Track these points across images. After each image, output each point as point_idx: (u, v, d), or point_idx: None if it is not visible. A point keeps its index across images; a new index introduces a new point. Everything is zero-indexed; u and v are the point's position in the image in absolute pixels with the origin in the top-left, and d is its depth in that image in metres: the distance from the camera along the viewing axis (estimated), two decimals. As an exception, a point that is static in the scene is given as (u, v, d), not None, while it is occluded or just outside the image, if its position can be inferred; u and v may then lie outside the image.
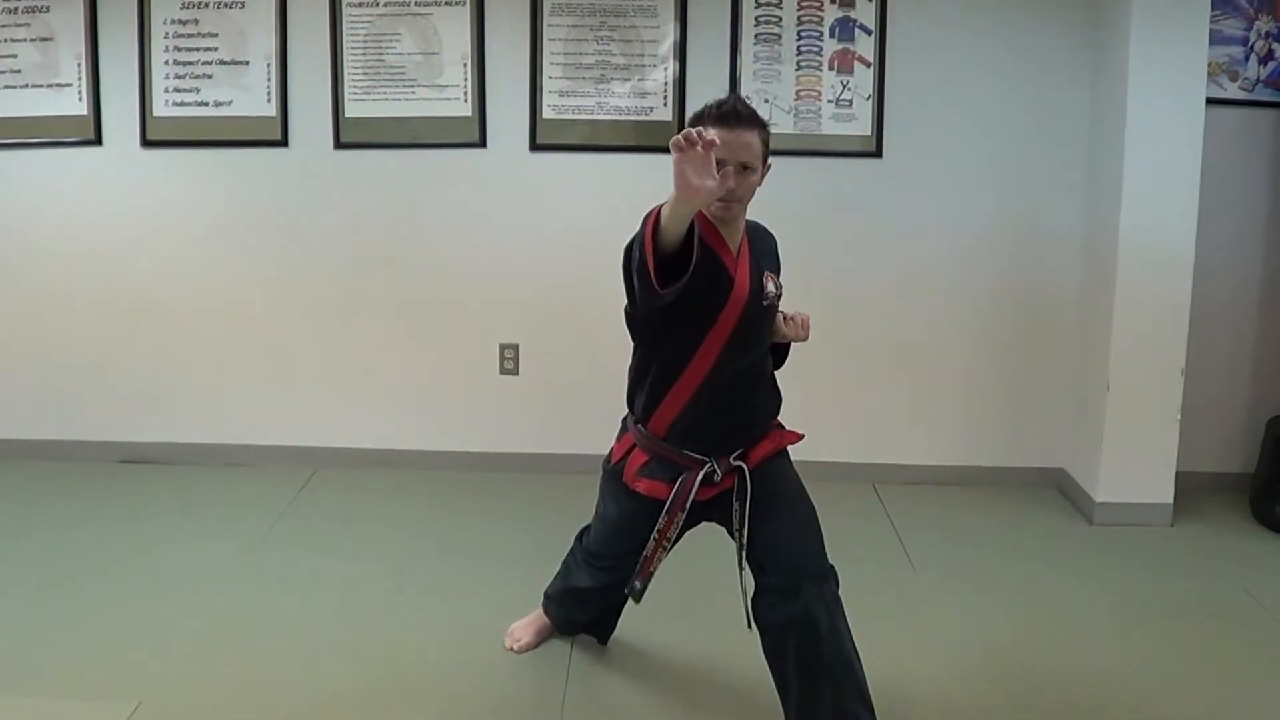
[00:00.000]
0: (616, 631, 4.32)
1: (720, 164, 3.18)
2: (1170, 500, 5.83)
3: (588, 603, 4.14)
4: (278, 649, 4.30)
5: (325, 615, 4.61)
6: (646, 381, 3.54)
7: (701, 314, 3.37)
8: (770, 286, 3.54)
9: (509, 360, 6.41)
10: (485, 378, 6.44)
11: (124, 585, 4.86)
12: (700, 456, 3.53)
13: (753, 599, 3.58)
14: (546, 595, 4.29)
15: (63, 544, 5.32)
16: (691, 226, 3.05)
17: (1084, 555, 5.47)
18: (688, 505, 3.52)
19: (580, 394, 6.27)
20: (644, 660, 4.23)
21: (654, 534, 3.60)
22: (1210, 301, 6.02)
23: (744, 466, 3.55)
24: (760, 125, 3.38)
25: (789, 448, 3.82)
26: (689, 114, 5.94)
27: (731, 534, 3.61)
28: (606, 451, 3.79)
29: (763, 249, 3.62)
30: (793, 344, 3.83)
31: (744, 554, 3.56)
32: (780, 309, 3.67)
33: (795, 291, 6.24)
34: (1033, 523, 5.89)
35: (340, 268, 6.40)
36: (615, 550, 3.84)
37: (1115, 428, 5.78)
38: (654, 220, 3.06)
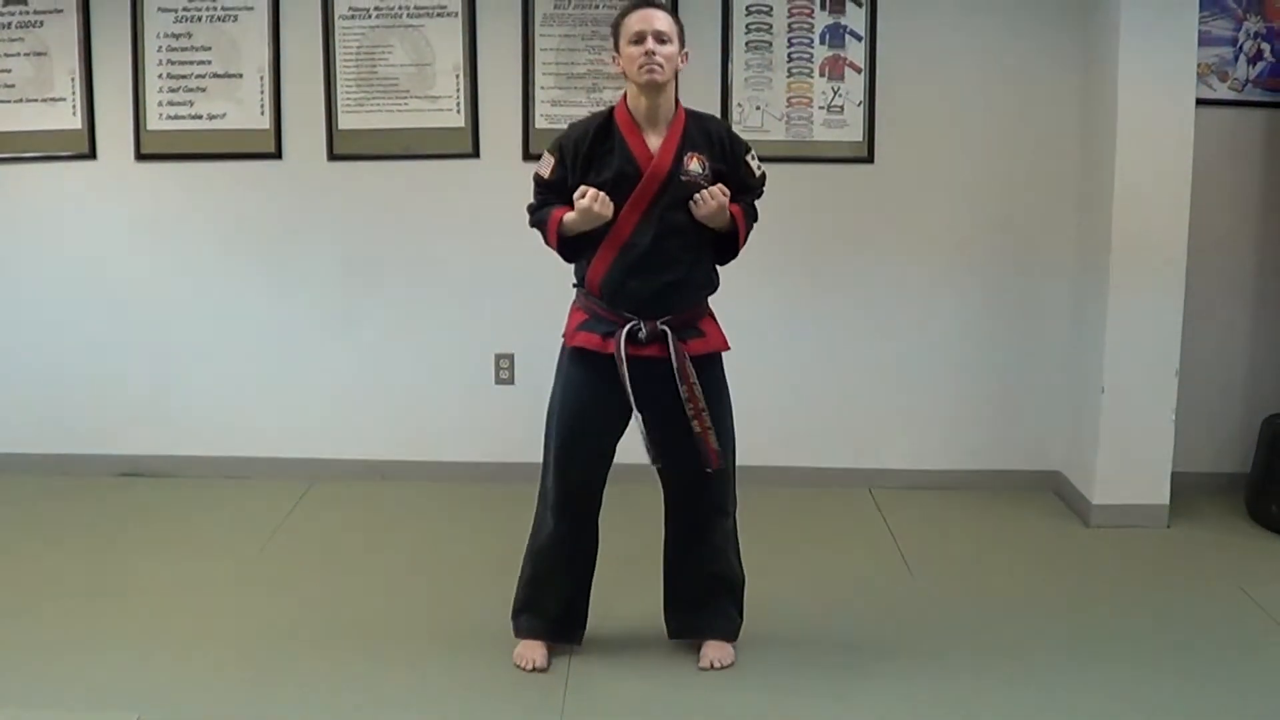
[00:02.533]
0: (614, 648, 4.32)
1: (640, 36, 3.88)
2: (1166, 501, 5.84)
3: (550, 576, 4.25)
4: (277, 662, 4.29)
5: (324, 627, 4.60)
6: (583, 245, 4.04)
7: (617, 189, 3.92)
8: (694, 165, 3.96)
9: (504, 370, 6.42)
10: (481, 388, 6.45)
11: (122, 598, 4.85)
12: (628, 315, 3.95)
13: None
14: (514, 606, 4.32)
15: (61, 557, 5.33)
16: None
17: (1081, 558, 5.48)
18: (624, 354, 3.91)
19: (576, 402, 6.28)
20: (643, 670, 4.23)
21: (630, 399, 3.96)
22: (1204, 302, 6.02)
23: (668, 330, 3.94)
24: (671, 12, 4.22)
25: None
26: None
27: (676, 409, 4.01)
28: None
29: (697, 134, 4.03)
30: (740, 243, 4.18)
31: (700, 411, 4.01)
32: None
33: (788, 296, 6.27)
34: (1029, 526, 5.89)
35: (335, 279, 6.41)
36: (564, 457, 4.17)
37: (1110, 430, 5.79)
38: (555, 226, 4.03)
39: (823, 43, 6.13)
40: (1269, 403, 6.20)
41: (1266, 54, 6.09)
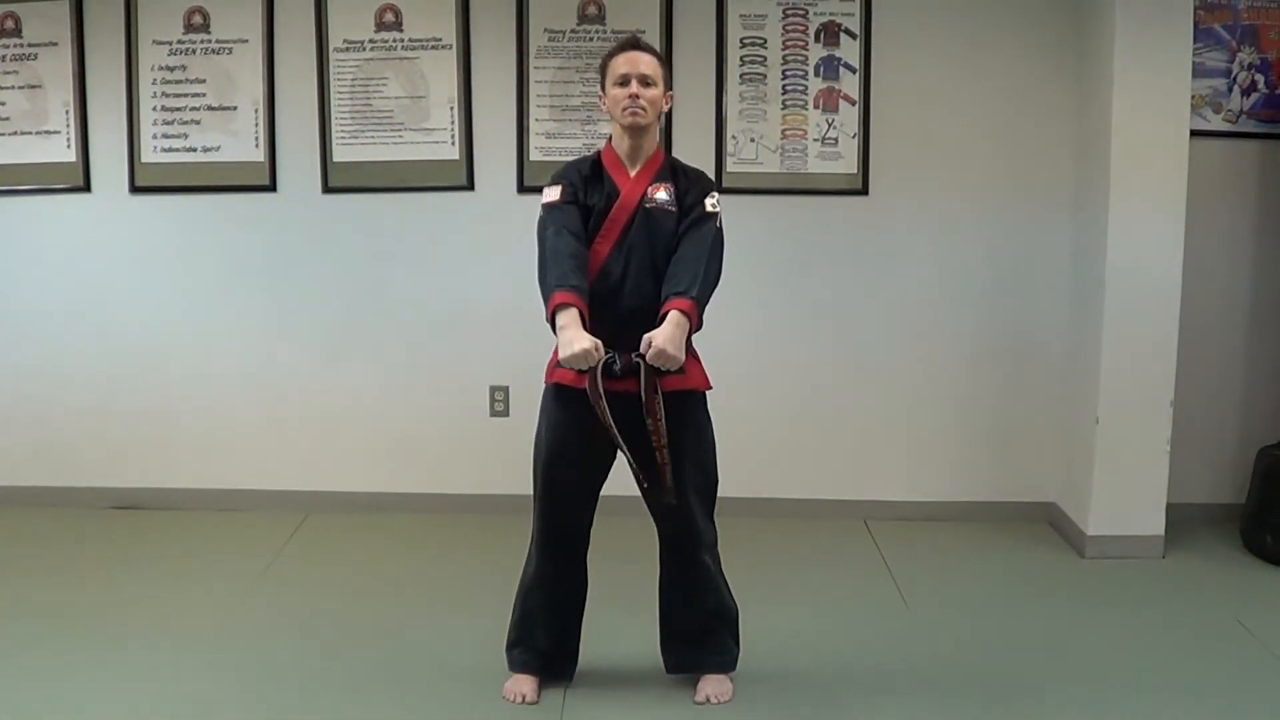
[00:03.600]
0: (610, 681, 4.31)
1: (625, 78, 3.97)
2: (1161, 532, 5.83)
3: (542, 614, 4.23)
4: (272, 695, 4.28)
5: (319, 660, 4.59)
6: None
7: (596, 220, 4.02)
8: (660, 194, 4.03)
9: (499, 402, 6.41)
10: (476, 420, 6.45)
11: (116, 631, 4.84)
12: (605, 350, 3.84)
13: None
14: (507, 642, 4.32)
15: (55, 590, 5.30)
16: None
17: (1076, 589, 5.47)
18: (601, 389, 3.82)
19: (571, 434, 6.28)
20: (639, 704, 4.21)
21: (609, 432, 3.88)
22: (1198, 333, 6.02)
23: (643, 358, 3.82)
24: (658, 55, 4.14)
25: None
26: (675, 155, 6.00)
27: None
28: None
29: (669, 178, 4.09)
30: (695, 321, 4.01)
31: (662, 443, 3.92)
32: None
33: (783, 327, 6.27)
34: (1024, 557, 5.89)
35: (329, 311, 6.41)
36: (552, 491, 4.17)
37: (1105, 460, 5.79)
38: (553, 307, 3.87)
39: (817, 75, 6.14)
40: (1264, 433, 6.20)
41: (1260, 85, 6.11)
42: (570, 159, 4.22)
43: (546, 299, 3.90)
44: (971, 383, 6.34)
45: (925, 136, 6.19)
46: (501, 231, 6.25)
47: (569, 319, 3.79)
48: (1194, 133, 5.71)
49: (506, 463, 6.29)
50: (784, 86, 6.15)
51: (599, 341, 3.77)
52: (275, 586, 5.43)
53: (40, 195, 6.39)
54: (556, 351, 3.96)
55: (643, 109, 3.96)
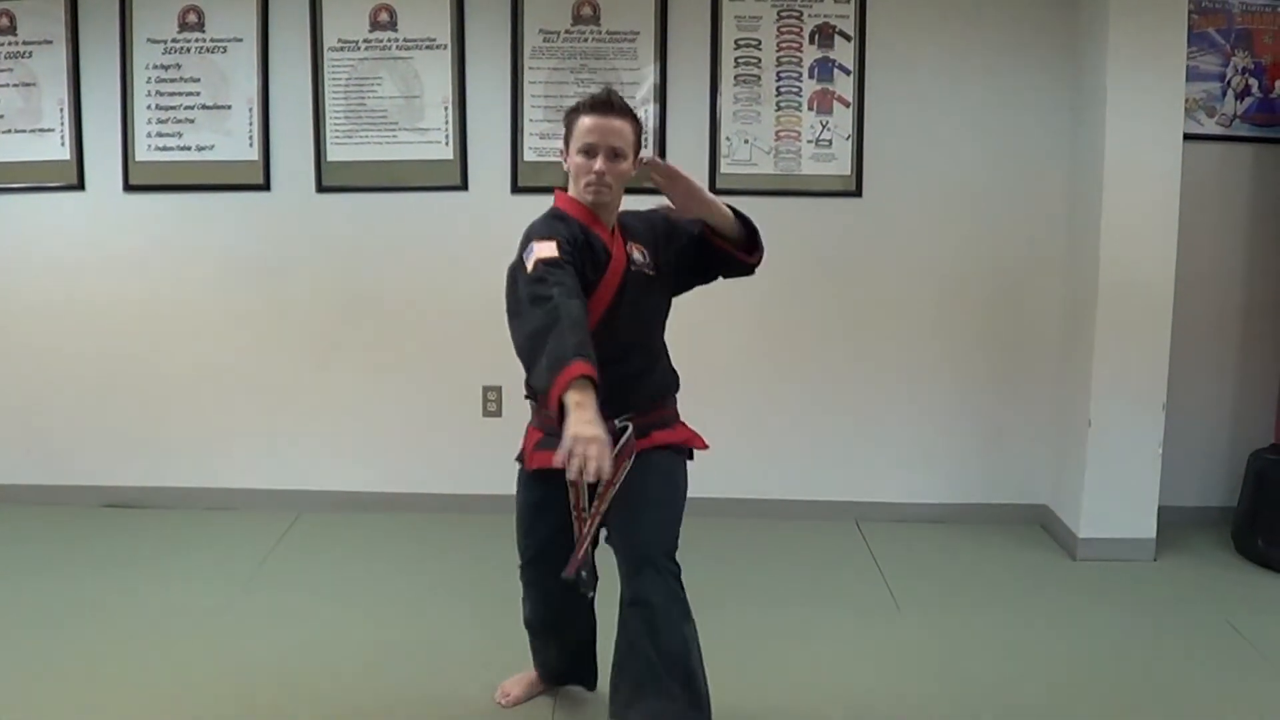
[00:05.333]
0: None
1: (591, 149, 3.53)
2: (1153, 535, 5.85)
3: (545, 634, 4.13)
4: (263, 693, 4.28)
5: (310, 659, 4.59)
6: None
7: (589, 284, 3.52)
8: (636, 254, 3.69)
9: (492, 402, 6.41)
10: (469, 420, 6.45)
11: (108, 629, 4.84)
12: None
13: None
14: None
15: (47, 588, 5.30)
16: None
17: (1068, 591, 5.47)
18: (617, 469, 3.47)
19: (564, 435, 6.27)
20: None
21: (572, 511, 3.62)
22: (1191, 337, 6.04)
23: (629, 426, 3.56)
24: (632, 116, 3.62)
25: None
26: (669, 156, 6.00)
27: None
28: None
29: (635, 226, 3.76)
30: (752, 256, 3.86)
31: (599, 511, 3.58)
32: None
33: (775, 328, 6.27)
34: (1016, 559, 5.89)
35: (322, 311, 6.41)
36: (531, 541, 3.92)
37: (1097, 463, 5.80)
38: (560, 389, 3.13)
39: (811, 77, 6.15)
40: (1256, 437, 6.21)
41: (1254, 89, 6.12)
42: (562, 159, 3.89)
43: (557, 367, 3.17)
44: (964, 385, 6.35)
45: (919, 139, 6.20)
46: (495, 231, 6.23)
47: (587, 398, 3.12)
48: (1187, 136, 5.73)
49: (499, 462, 6.28)
50: (778, 88, 6.16)
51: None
52: (267, 585, 5.43)
53: (34, 193, 6.39)
54: (531, 432, 3.85)
55: (608, 187, 3.55)
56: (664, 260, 3.77)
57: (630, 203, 3.65)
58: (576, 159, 3.57)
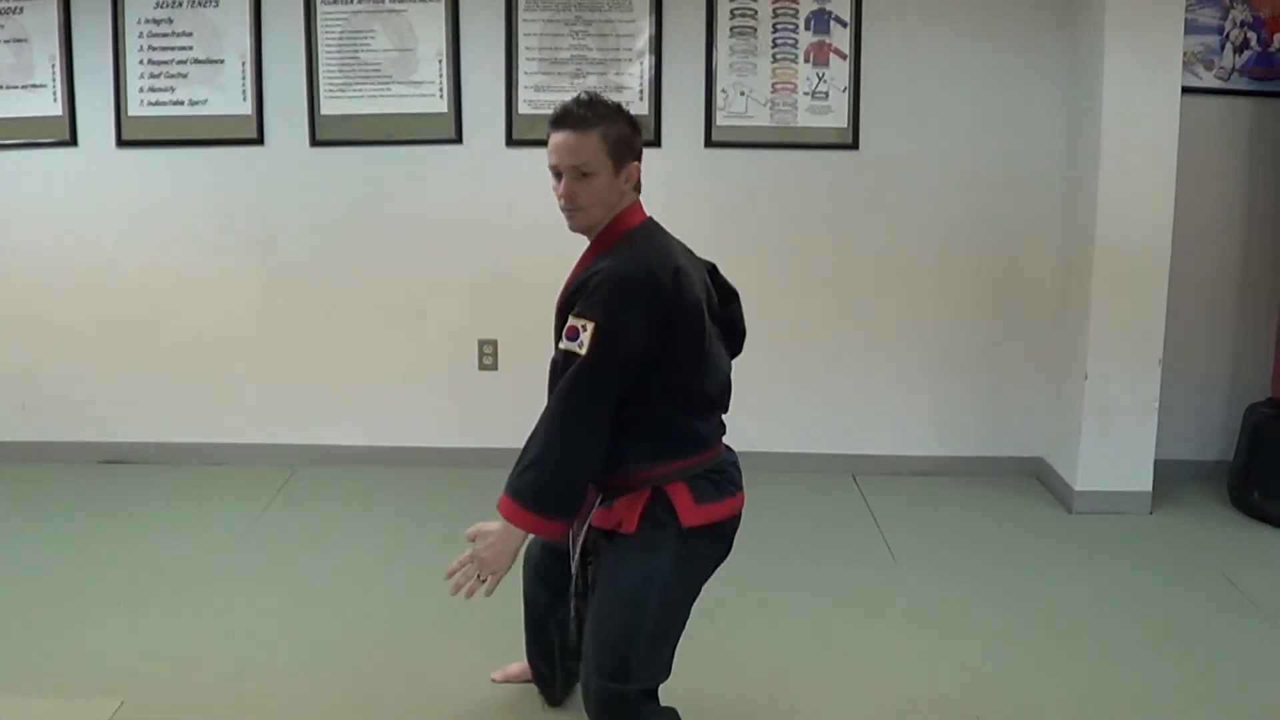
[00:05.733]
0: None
1: (555, 171, 3.12)
2: (1149, 488, 5.85)
3: (532, 631, 3.85)
4: (260, 647, 4.30)
5: (307, 613, 4.61)
6: None
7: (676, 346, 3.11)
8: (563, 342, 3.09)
9: (488, 356, 6.40)
10: (464, 374, 6.44)
11: (105, 584, 4.85)
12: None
13: None
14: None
15: (43, 544, 5.32)
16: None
17: (1064, 544, 5.49)
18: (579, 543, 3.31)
19: (560, 389, 6.27)
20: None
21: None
22: (1187, 290, 6.03)
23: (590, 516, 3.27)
24: (600, 122, 3.09)
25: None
26: (665, 108, 5.97)
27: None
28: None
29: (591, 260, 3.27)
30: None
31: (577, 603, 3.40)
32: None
33: (771, 282, 6.26)
34: (1012, 512, 5.90)
35: (317, 265, 6.40)
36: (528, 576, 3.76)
37: (1094, 417, 5.80)
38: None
39: (808, 29, 6.12)
40: (1252, 390, 6.21)
41: (1253, 43, 6.09)
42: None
43: (555, 502, 3.08)
44: (961, 338, 6.34)
45: (916, 91, 6.17)
46: (489, 185, 6.23)
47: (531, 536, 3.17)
48: (1185, 90, 5.69)
49: (494, 416, 6.32)
50: (774, 40, 6.12)
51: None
52: (263, 540, 5.44)
53: (27, 149, 6.35)
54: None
55: (582, 210, 3.15)
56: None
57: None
58: (552, 179, 3.17)
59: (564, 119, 3.10)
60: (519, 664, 4.05)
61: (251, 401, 6.53)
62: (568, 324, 3.04)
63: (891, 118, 6.18)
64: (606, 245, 3.20)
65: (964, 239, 6.26)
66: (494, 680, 4.07)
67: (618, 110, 3.16)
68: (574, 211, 3.15)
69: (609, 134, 3.10)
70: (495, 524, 3.15)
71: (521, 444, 3.18)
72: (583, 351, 2.98)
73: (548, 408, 3.12)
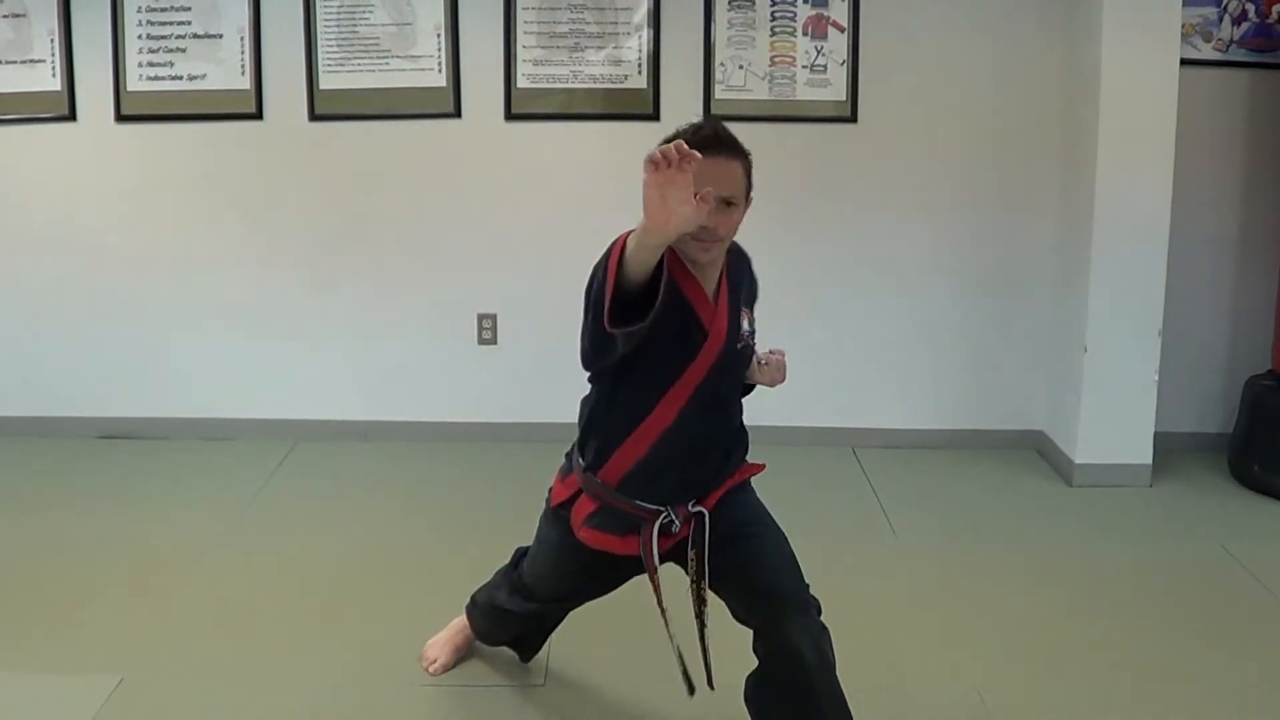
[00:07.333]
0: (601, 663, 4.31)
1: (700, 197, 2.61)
2: (1149, 461, 5.86)
3: (511, 625, 3.80)
4: (260, 622, 4.31)
5: (307, 588, 4.62)
6: (601, 427, 3.13)
7: (668, 363, 3.00)
8: (745, 325, 3.16)
9: (487, 330, 6.40)
10: (464, 348, 6.44)
11: (104, 560, 4.86)
12: (655, 507, 3.11)
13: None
14: (473, 600, 3.93)
15: (43, 520, 5.33)
16: (661, 263, 2.66)
17: (1063, 517, 5.50)
18: (657, 562, 3.13)
19: (559, 363, 6.19)
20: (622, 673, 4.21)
21: (659, 609, 3.16)
22: (1187, 262, 6.03)
23: (704, 512, 3.13)
24: (743, 154, 3.00)
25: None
26: (664, 82, 5.96)
27: (691, 578, 3.19)
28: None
29: (739, 280, 3.21)
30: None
31: (703, 613, 3.17)
32: (755, 349, 3.28)
33: (771, 255, 6.24)
34: (1012, 485, 5.92)
35: (316, 240, 6.40)
36: (548, 592, 3.56)
37: (1093, 389, 5.80)
38: (619, 250, 2.68)
39: (806, 1, 6.10)
40: (1252, 363, 6.21)
41: (1251, 14, 6.08)
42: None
43: (606, 261, 2.73)
44: (961, 311, 6.34)
45: (914, 64, 6.16)
46: (488, 159, 6.23)
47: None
48: (1184, 61, 5.68)
49: (494, 390, 6.33)
50: (773, 13, 6.11)
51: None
52: (263, 515, 5.46)
53: (25, 125, 6.34)
54: (583, 502, 3.19)
55: (720, 241, 2.97)
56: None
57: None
58: None
59: (718, 144, 2.91)
60: (447, 640, 3.99)
61: (250, 376, 6.53)
62: (746, 317, 3.20)
63: (890, 91, 6.18)
64: (728, 275, 3.16)
65: (963, 212, 6.26)
66: (431, 673, 3.94)
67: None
68: (709, 244, 2.93)
69: (746, 166, 3.02)
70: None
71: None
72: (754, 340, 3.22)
73: None
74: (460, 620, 4.01)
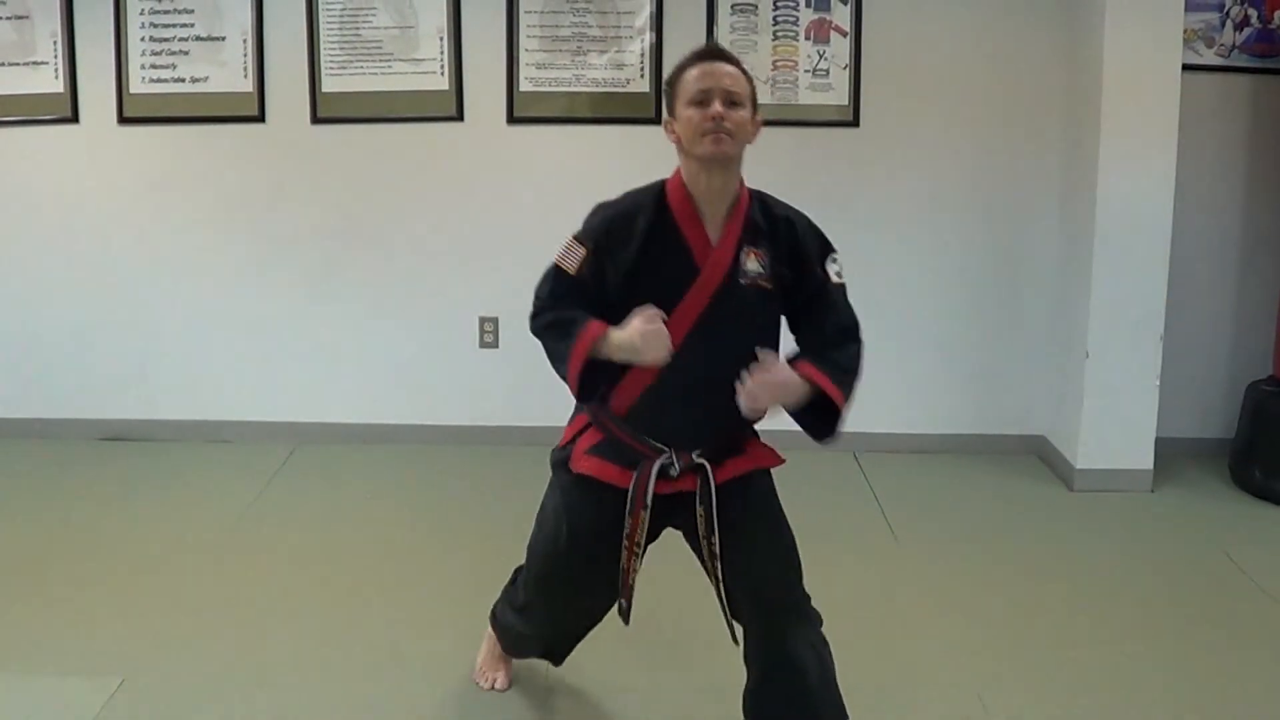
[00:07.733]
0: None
1: (705, 96, 2.98)
2: (1150, 466, 5.87)
3: (530, 645, 3.76)
4: (260, 624, 4.31)
5: (308, 590, 4.62)
6: (607, 368, 3.09)
7: (664, 297, 3.02)
8: (751, 264, 3.12)
9: (489, 334, 6.41)
10: (465, 351, 6.44)
11: (106, 562, 4.86)
12: (659, 445, 3.12)
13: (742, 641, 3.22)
14: (492, 614, 3.84)
15: (44, 521, 5.33)
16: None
17: (1065, 522, 5.50)
18: (649, 500, 3.10)
19: (561, 366, 6.28)
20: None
21: (624, 539, 3.14)
22: (1188, 267, 6.03)
23: (706, 466, 3.11)
24: (745, 69, 3.11)
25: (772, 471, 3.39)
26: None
27: (694, 546, 3.24)
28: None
29: (762, 222, 3.21)
30: (842, 407, 3.35)
31: (717, 569, 3.17)
32: (769, 289, 3.20)
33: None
34: (1013, 490, 5.91)
35: (318, 242, 6.40)
36: (541, 592, 3.49)
37: (1095, 394, 5.80)
38: (585, 346, 2.99)
39: (808, 6, 6.11)
40: (1253, 368, 6.21)
41: (1253, 20, 6.09)
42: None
43: (569, 338, 3.04)
44: (962, 316, 6.34)
45: (916, 69, 6.16)
46: (491, 162, 6.24)
47: (609, 332, 2.97)
48: (1186, 67, 5.69)
49: (495, 394, 6.33)
50: (775, 17, 6.12)
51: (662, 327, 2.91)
52: (264, 517, 5.46)
53: (28, 126, 6.36)
54: (589, 433, 3.25)
55: (729, 133, 2.98)
56: (785, 274, 3.26)
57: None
58: (687, 113, 3.01)
59: (715, 54, 3.12)
60: (497, 659, 3.92)
61: (252, 378, 6.54)
62: (833, 260, 3.46)
63: (892, 95, 6.18)
64: (743, 215, 3.20)
65: (964, 216, 6.26)
66: (494, 688, 3.89)
67: None
68: (721, 135, 2.98)
69: (751, 81, 3.14)
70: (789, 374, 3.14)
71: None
72: (769, 284, 3.19)
73: (857, 333, 3.52)
74: (490, 633, 3.93)
